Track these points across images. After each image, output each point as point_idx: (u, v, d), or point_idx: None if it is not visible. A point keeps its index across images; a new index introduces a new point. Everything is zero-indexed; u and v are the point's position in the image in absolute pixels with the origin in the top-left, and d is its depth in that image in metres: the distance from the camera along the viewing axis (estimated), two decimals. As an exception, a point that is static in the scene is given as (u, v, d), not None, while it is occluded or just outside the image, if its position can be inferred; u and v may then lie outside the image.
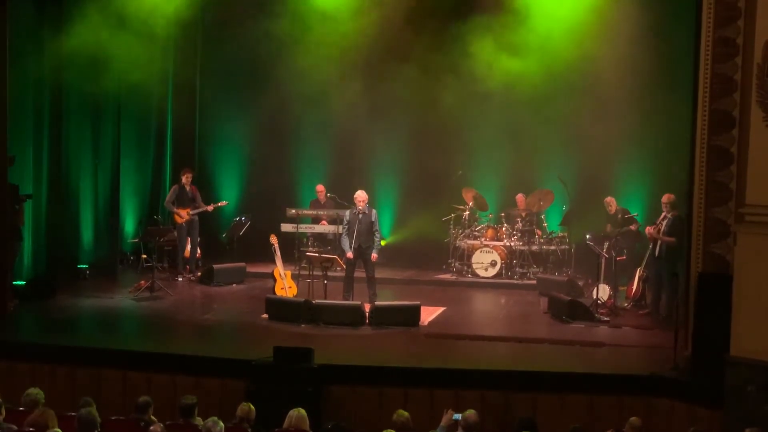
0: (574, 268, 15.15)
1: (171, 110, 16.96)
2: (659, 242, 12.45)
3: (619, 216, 14.08)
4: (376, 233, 12.87)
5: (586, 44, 15.30)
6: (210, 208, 15.35)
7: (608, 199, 14.45)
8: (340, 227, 13.69)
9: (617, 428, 8.31)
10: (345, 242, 12.80)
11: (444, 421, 8.46)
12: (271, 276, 13.54)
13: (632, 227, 13.29)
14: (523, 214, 15.59)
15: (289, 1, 15.80)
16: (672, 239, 12.26)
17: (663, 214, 12.54)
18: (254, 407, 8.26)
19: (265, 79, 16.45)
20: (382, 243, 14.00)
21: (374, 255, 12.79)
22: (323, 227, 15.69)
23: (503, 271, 15.23)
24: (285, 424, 7.99)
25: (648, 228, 12.88)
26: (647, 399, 9.61)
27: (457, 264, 15.72)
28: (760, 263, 8.99)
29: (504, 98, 15.71)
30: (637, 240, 13.88)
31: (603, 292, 13.08)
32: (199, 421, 7.95)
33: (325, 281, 12.61)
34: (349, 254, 12.70)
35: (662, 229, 12.42)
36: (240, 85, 16.82)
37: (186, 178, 15.11)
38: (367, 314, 12.07)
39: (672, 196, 12.59)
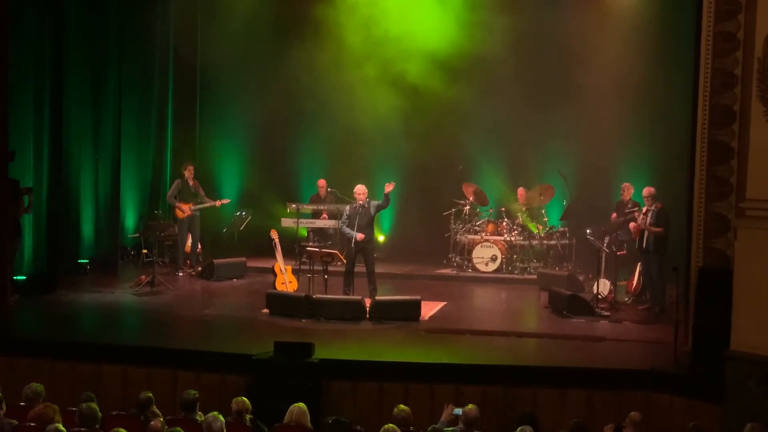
0: (575, 263, 15.14)
1: (171, 104, 16.94)
2: (646, 235, 12.54)
3: (628, 207, 13.87)
4: (379, 205, 12.78)
5: (586, 38, 15.32)
6: (218, 203, 15.37)
7: (626, 184, 14.12)
8: (339, 222, 13.68)
9: (617, 423, 8.32)
10: (348, 230, 12.68)
11: (444, 416, 8.48)
12: (272, 271, 13.54)
13: (631, 225, 13.23)
14: (524, 209, 15.60)
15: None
16: (660, 229, 12.43)
17: (645, 207, 12.67)
18: (255, 402, 8.29)
19: (266, 74, 16.45)
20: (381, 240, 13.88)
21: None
22: (324, 222, 15.68)
23: (503, 266, 15.22)
24: (286, 419, 8.01)
25: (631, 224, 12.95)
26: (647, 394, 9.62)
27: (457, 259, 15.72)
28: (761, 258, 8.99)
29: (504, 93, 15.69)
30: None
31: (603, 286, 13.08)
32: (200, 416, 7.97)
33: (326, 276, 12.61)
34: (360, 235, 12.62)
35: (648, 221, 12.53)
36: (241, 79, 16.79)
37: (188, 172, 15.10)
38: (367, 309, 12.06)
39: (652, 189, 12.77)
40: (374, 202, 12.81)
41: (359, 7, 15.81)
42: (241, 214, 15.99)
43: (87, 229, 15.18)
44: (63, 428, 7.02)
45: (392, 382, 9.80)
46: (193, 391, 8.26)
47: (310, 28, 16.08)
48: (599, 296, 12.84)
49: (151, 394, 8.29)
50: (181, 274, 15.01)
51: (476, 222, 15.81)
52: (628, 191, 13.95)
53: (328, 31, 15.92)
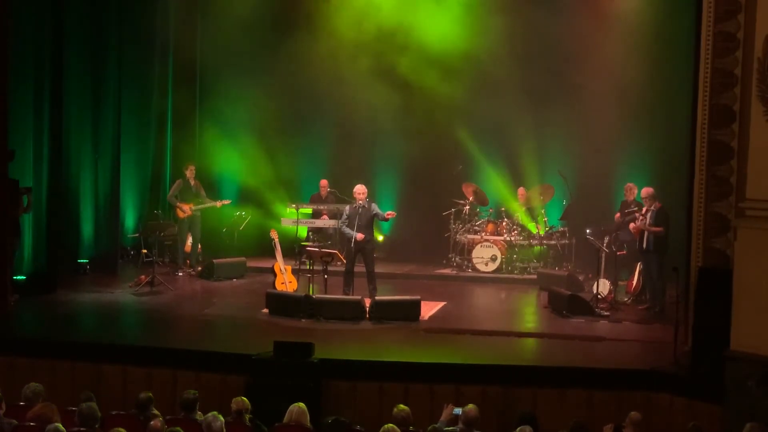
0: (575, 263, 15.13)
1: (171, 104, 16.92)
2: (646, 235, 12.56)
3: (632, 207, 13.81)
4: (378, 215, 12.76)
5: (586, 37, 15.32)
6: (218, 204, 15.36)
7: (629, 185, 14.06)
8: (339, 221, 13.66)
9: (617, 423, 8.31)
10: (348, 230, 12.66)
11: (444, 416, 8.48)
12: (272, 271, 13.53)
13: (631, 225, 13.22)
14: (524, 209, 15.60)
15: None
16: (660, 229, 12.46)
17: (645, 207, 12.70)
18: (254, 402, 8.30)
19: (267, 72, 16.43)
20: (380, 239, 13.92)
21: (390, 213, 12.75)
22: (324, 222, 15.67)
23: (503, 266, 15.22)
24: (285, 419, 8.01)
25: (631, 224, 12.96)
26: (647, 394, 9.62)
27: (457, 259, 15.72)
28: (761, 258, 8.99)
29: (505, 92, 15.68)
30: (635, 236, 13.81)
31: (603, 286, 13.08)
32: (200, 416, 7.97)
33: (326, 276, 12.61)
34: (360, 235, 12.61)
35: (648, 221, 12.55)
36: (241, 78, 16.75)
37: (190, 172, 15.11)
38: (367, 309, 12.05)
39: (651, 190, 12.82)
40: (375, 206, 12.81)
41: (360, 4, 15.80)
42: (240, 214, 15.98)
43: (87, 229, 15.17)
44: (63, 428, 7.02)
45: (392, 382, 9.80)
46: (193, 391, 8.27)
47: (309, 24, 16.07)
48: (599, 296, 12.84)
49: (150, 394, 8.30)
50: (181, 274, 15.01)
51: (476, 222, 15.80)
52: (631, 192, 13.91)
53: (328, 26, 15.93)
